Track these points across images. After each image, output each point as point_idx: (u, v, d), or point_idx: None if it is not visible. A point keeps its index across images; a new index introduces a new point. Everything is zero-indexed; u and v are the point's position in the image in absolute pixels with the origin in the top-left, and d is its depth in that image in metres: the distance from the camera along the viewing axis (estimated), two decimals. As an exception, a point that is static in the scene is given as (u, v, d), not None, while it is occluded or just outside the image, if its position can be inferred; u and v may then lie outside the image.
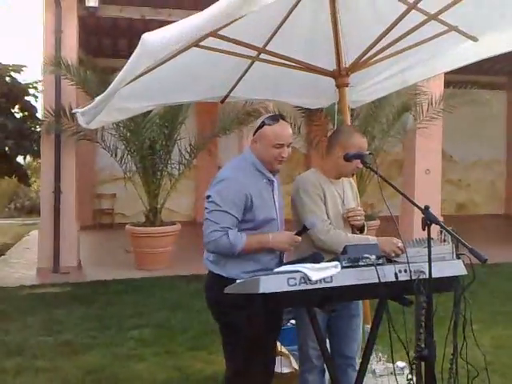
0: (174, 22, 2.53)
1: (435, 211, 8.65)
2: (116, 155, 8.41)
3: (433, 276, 2.27)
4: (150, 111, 7.58)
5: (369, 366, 3.07)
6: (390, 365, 4.03)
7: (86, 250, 8.96)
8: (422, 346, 2.45)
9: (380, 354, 4.00)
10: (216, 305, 2.76)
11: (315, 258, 2.29)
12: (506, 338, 4.84)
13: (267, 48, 3.82)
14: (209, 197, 2.66)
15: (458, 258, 2.64)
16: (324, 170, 2.96)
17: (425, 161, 9.08)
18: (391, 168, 12.42)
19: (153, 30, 2.49)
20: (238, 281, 2.40)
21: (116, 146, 8.37)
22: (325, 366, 2.98)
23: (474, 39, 3.98)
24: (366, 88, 4.55)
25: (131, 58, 2.60)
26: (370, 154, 2.74)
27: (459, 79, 8.54)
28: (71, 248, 8.10)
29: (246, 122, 8.14)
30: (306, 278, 2.17)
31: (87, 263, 8.52)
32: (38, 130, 9.04)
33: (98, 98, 3.62)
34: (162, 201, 8.46)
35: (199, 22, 2.45)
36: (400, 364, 3.96)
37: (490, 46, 4.04)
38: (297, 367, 3.40)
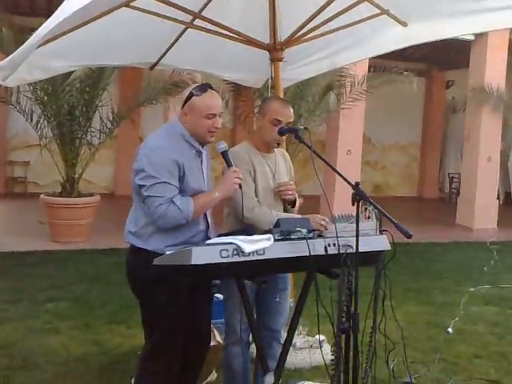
0: None
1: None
2: (31, 120, 7.94)
3: (360, 250, 2.32)
4: (70, 74, 7.23)
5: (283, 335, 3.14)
6: (310, 338, 4.15)
7: (-5, 220, 8.51)
8: (344, 319, 2.52)
9: (301, 328, 4.09)
10: (138, 280, 2.66)
11: (247, 231, 2.27)
12: (417, 314, 5.07)
13: (202, 14, 3.72)
14: (141, 171, 2.52)
15: (381, 233, 2.73)
16: (254, 142, 2.94)
17: (347, 142, 9.31)
18: (315, 147, 12.62)
19: None
20: (167, 253, 2.33)
21: (32, 110, 7.90)
22: (250, 338, 3.02)
23: (404, 24, 4.08)
24: (297, 68, 4.55)
25: (59, 8, 2.43)
26: (304, 128, 2.75)
27: (381, 64, 8.76)
28: (-19, 217, 7.65)
29: (173, 92, 7.92)
30: (238, 250, 2.15)
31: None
32: None
33: (16, 52, 3.38)
34: (80, 171, 8.12)
35: None
36: (320, 337, 4.07)
37: (419, 33, 4.14)
38: (220, 340, 3.40)
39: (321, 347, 3.89)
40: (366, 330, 2.45)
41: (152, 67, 4.40)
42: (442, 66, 14.52)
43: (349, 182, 2.39)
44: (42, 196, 8.04)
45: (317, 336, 4.01)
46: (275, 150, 2.98)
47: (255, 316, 2.86)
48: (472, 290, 5.92)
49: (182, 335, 2.70)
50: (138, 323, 4.43)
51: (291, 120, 2.85)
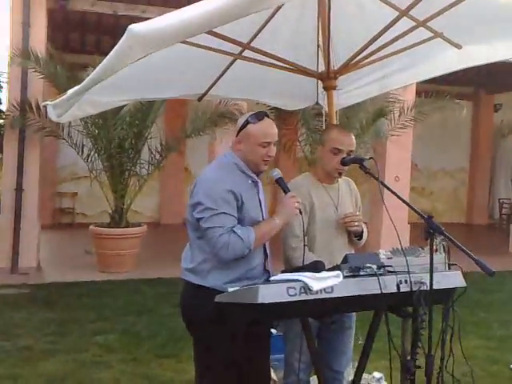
0: (146, 18, 2.34)
1: (404, 219, 8.68)
2: (82, 153, 8.10)
3: (433, 287, 2.18)
4: (120, 108, 7.35)
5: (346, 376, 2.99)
6: (366, 375, 3.97)
7: (45, 251, 8.58)
8: (408, 358, 2.39)
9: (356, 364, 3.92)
10: (194, 317, 2.58)
11: (316, 267, 2.16)
12: (476, 348, 4.81)
13: (252, 45, 3.69)
14: (199, 204, 2.48)
15: (449, 268, 2.59)
16: (316, 173, 2.87)
17: (395, 168, 9.12)
18: (360, 173, 12.47)
19: (123, 25, 2.29)
20: (229, 290, 2.24)
21: (83, 144, 8.07)
22: (310, 379, 2.89)
23: (458, 47, 3.96)
24: (346, 92, 4.47)
25: (114, 50, 2.40)
26: (370, 158, 2.63)
27: (427, 88, 8.60)
28: (31, 248, 7.75)
29: (220, 123, 7.96)
30: (306, 288, 2.04)
31: (47, 264, 8.14)
32: (1, 123, 8.67)
33: (71, 90, 3.41)
34: (129, 201, 8.20)
35: (202, 17, 2.27)
36: (376, 375, 3.90)
37: (472, 56, 4.02)
38: (276, 378, 3.27)
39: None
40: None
41: (200, 98, 4.40)
42: (490, 89, 14.21)
43: (421, 215, 2.28)
44: (91, 227, 8.12)
45: (373, 373, 3.85)
46: (340, 180, 2.90)
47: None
48: (535, 322, 5.60)
49: (236, 373, 2.59)
50: (189, 357, 4.39)
51: (352, 148, 2.78)
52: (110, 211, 8.18)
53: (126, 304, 6.11)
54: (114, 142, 7.84)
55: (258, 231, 2.49)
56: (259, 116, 2.60)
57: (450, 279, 2.37)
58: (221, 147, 8.03)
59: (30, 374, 4.03)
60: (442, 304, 2.34)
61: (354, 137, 2.85)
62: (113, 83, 3.58)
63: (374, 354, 2.49)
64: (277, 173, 2.63)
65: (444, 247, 2.66)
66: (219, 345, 2.52)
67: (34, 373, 4.07)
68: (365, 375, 3.93)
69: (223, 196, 2.46)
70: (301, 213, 2.55)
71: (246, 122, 2.58)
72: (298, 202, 2.54)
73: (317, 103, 4.65)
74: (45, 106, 3.93)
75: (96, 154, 8.03)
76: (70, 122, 7.51)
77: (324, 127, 3.90)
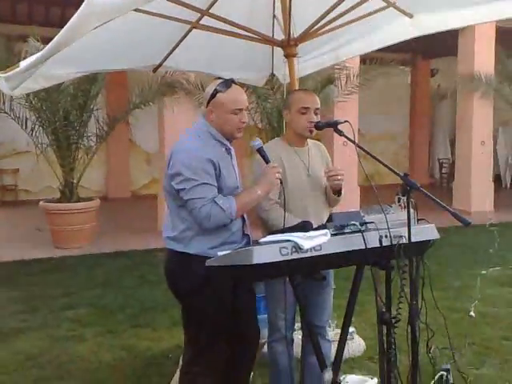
0: None
1: (353, 182, 8.94)
2: (26, 127, 7.84)
3: (412, 240, 2.33)
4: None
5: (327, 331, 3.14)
6: (338, 330, 4.17)
7: (-8, 230, 8.37)
8: (383, 310, 2.54)
9: (330, 321, 4.10)
10: (181, 284, 2.62)
11: (304, 227, 2.26)
12: (436, 299, 5.11)
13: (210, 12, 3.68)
14: (178, 174, 2.48)
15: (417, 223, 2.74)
16: (286, 137, 2.95)
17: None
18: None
19: None
20: (219, 254, 2.31)
21: (26, 118, 7.81)
22: (293, 336, 3.02)
23: (410, 16, 4.08)
24: (304, 61, 4.53)
25: (74, 18, 2.36)
26: (345, 121, 2.72)
27: (369, 56, 8.77)
28: (-22, 227, 7.53)
29: (169, 92, 7.87)
30: (297, 247, 2.13)
31: (-1, 244, 7.94)
32: None
33: (25, 63, 3.31)
34: (79, 175, 8.04)
35: None
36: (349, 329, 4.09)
37: (423, 25, 4.11)
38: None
39: (352, 338, 3.97)
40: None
41: (155, 69, 4.35)
42: (427, 55, 14.64)
43: (397, 173, 2.40)
44: (41, 203, 7.94)
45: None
46: (310, 143, 2.98)
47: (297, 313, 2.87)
48: (484, 272, 5.97)
49: (225, 336, 2.68)
50: (163, 325, 4.50)
51: (318, 106, 2.85)
52: (59, 186, 8.00)
53: (88, 278, 6.09)
54: (59, 115, 7.64)
55: (240, 201, 2.52)
56: (227, 83, 2.60)
57: (426, 232, 2.52)
58: (171, 117, 7.98)
59: (6, 353, 4.01)
60: (419, 255, 2.48)
61: (313, 95, 2.91)
62: (67, 55, 3.49)
63: (342, 311, 2.63)
64: (258, 143, 2.65)
65: (412, 204, 2.82)
66: (208, 309, 2.58)
67: (10, 351, 4.04)
68: (337, 330, 4.15)
69: (203, 166, 2.48)
70: (281, 182, 2.61)
71: (215, 91, 2.58)
72: (278, 172, 2.59)
73: (272, 73, 4.71)
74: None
75: (41, 128, 7.79)
76: (11, 96, 7.25)
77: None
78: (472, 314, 4.67)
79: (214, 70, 4.70)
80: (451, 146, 13.97)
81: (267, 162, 2.64)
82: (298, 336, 3.24)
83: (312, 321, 2.89)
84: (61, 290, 5.62)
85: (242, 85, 6.75)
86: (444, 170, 14.30)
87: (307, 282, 2.74)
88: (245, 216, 2.71)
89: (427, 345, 2.59)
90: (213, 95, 2.59)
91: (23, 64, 3.40)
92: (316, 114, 2.86)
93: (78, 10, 2.29)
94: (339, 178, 2.80)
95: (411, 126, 15.39)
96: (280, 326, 2.86)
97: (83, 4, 2.21)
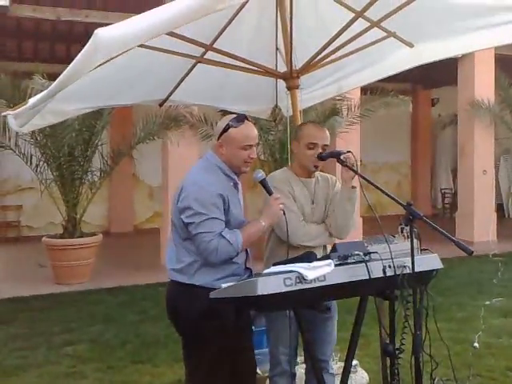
0: (91, 23, 2.37)
1: (356, 212, 8.95)
2: (31, 163, 7.89)
3: (415, 270, 2.31)
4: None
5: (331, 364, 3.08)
6: (341, 363, 4.10)
7: (-6, 266, 8.33)
8: (387, 341, 2.50)
9: (333, 354, 4.04)
10: (184, 315, 2.61)
11: (308, 257, 2.25)
12: (439, 330, 5.05)
13: (214, 46, 3.74)
14: (188, 208, 2.51)
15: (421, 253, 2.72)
16: (293, 169, 2.97)
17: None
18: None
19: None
20: (223, 286, 2.29)
21: (31, 154, 7.87)
22: (296, 370, 2.97)
23: (410, 45, 4.14)
24: (307, 93, 4.58)
25: (81, 55, 2.40)
26: (347, 151, 2.73)
27: (370, 86, 8.88)
28: (-20, 264, 7.50)
29: (173, 126, 7.94)
30: (301, 278, 2.12)
31: (0, 280, 7.89)
32: None
33: (33, 100, 3.36)
34: (82, 211, 8.05)
35: (163, 20, 2.33)
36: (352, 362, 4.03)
37: (423, 54, 4.17)
38: (260, 372, 3.33)
39: (355, 371, 3.89)
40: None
41: (161, 104, 4.41)
42: (426, 85, 14.80)
43: (400, 203, 2.40)
44: (44, 239, 7.92)
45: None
46: (319, 176, 2.98)
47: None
48: (488, 303, 5.92)
49: (226, 368, 2.65)
50: (164, 361, 4.44)
51: (327, 143, 2.85)
52: (62, 222, 8.00)
53: (89, 314, 6.02)
54: (64, 151, 7.67)
55: (245, 234, 2.55)
56: (240, 119, 2.65)
57: (429, 262, 2.51)
58: (175, 151, 8.03)
59: (5, 391, 3.95)
60: (423, 285, 2.46)
61: (327, 131, 2.93)
62: (73, 91, 3.54)
63: (345, 343, 2.59)
64: (261, 175, 2.68)
65: (415, 234, 2.80)
66: (209, 341, 2.56)
67: (9, 389, 3.98)
68: (340, 363, 4.09)
69: (212, 200, 2.51)
70: (284, 214, 2.62)
71: (228, 126, 2.63)
72: (282, 204, 2.61)
73: (276, 105, 4.75)
74: (5, 116, 3.83)
75: (45, 164, 7.84)
76: (16, 132, 7.33)
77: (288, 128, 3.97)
78: (476, 344, 4.59)
79: (219, 103, 4.77)
80: (453, 176, 14.00)
81: (270, 193, 2.67)
82: (301, 370, 3.18)
83: (315, 355, 2.85)
84: (61, 326, 5.56)
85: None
86: (446, 201, 14.28)
87: (311, 315, 2.73)
88: (248, 250, 2.72)
89: (431, 376, 2.53)
90: (225, 129, 2.64)
91: (31, 101, 3.44)
92: (324, 150, 2.85)
93: (85, 47, 2.35)
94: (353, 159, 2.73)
95: (413, 156, 15.45)
96: (281, 360, 2.84)
97: (90, 40, 2.26)
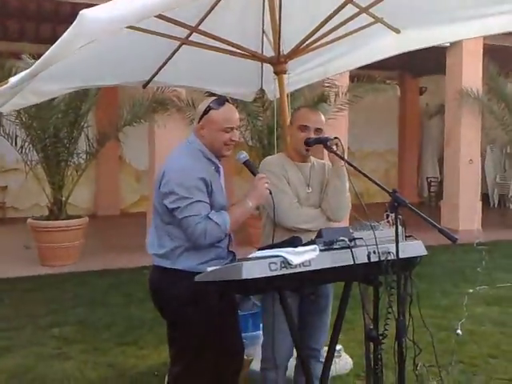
0: (78, 3, 2.33)
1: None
2: (16, 144, 7.81)
3: (400, 256, 2.34)
4: (55, 97, 7.14)
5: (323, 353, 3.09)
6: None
7: (-22, 247, 8.28)
8: (371, 327, 2.53)
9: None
10: (168, 300, 2.62)
11: (293, 242, 2.26)
12: (423, 317, 5.12)
13: (200, 28, 3.71)
14: (172, 193, 2.50)
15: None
16: (288, 152, 2.95)
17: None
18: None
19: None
20: (208, 269, 2.30)
21: (16, 135, 7.79)
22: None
23: (397, 31, 4.14)
24: (291, 77, 4.57)
25: (65, 36, 2.37)
26: (334, 138, 2.74)
27: (359, 73, 8.88)
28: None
29: (160, 109, 7.89)
30: (286, 263, 2.14)
31: (-18, 261, 7.84)
32: None
33: (14, 79, 3.31)
34: (68, 193, 8.00)
35: (154, 2, 2.31)
36: (336, 347, 4.08)
37: (410, 40, 4.18)
38: (245, 356, 3.35)
39: (339, 356, 3.94)
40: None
41: (145, 85, 4.37)
42: (415, 73, 14.81)
43: (385, 190, 2.42)
44: (29, 220, 7.87)
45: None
46: (315, 162, 2.97)
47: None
48: (471, 291, 6.00)
49: (213, 352, 2.68)
50: (149, 343, 4.46)
51: (319, 126, 2.82)
52: (48, 203, 7.95)
53: (75, 296, 6.02)
54: (49, 132, 7.60)
55: (233, 215, 2.56)
56: (220, 101, 2.63)
57: (414, 248, 2.54)
58: (162, 134, 7.99)
59: (-11, 371, 3.95)
60: (407, 272, 2.48)
61: (322, 116, 2.91)
62: (56, 71, 3.49)
63: (330, 329, 2.59)
64: (244, 155, 2.68)
65: (400, 220, 2.83)
66: (194, 325, 2.58)
67: (-6, 369, 3.98)
68: (324, 348, 4.13)
69: (195, 184, 2.50)
70: (271, 193, 2.63)
71: (208, 108, 2.61)
72: (267, 183, 2.61)
73: (261, 89, 4.74)
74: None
75: (30, 145, 7.77)
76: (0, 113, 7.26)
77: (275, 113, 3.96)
78: (459, 331, 4.67)
79: (203, 85, 4.73)
80: (439, 165, 14.08)
81: (254, 173, 2.66)
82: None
83: (308, 343, 2.88)
84: (47, 307, 5.55)
85: (233, 101, 6.81)
86: (432, 189, 14.39)
87: (309, 304, 2.75)
88: (231, 234, 2.72)
89: (414, 362, 2.57)
90: (205, 111, 2.63)
91: (12, 80, 3.40)
92: (317, 134, 2.82)
93: (69, 28, 2.31)
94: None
95: (400, 144, 15.53)
96: (281, 352, 2.74)
97: (74, 22, 2.23)
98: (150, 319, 4.94)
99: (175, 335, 2.70)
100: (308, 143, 2.78)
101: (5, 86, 3.43)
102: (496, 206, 14.16)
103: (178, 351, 2.71)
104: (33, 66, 2.87)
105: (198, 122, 2.66)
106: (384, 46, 4.30)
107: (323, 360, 2.84)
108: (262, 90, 4.77)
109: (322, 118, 2.90)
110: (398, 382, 2.41)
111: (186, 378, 2.64)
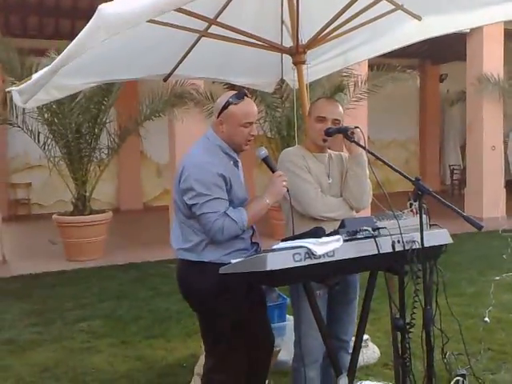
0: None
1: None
2: (38, 141, 7.93)
3: (425, 245, 2.33)
4: (76, 93, 7.21)
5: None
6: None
7: (7, 244, 8.39)
8: (398, 316, 2.52)
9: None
10: (196, 292, 2.64)
11: (317, 233, 2.26)
12: (450, 306, 5.09)
13: (218, 20, 3.71)
14: (190, 190, 2.52)
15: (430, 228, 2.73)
16: (306, 144, 2.94)
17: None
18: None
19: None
20: (232, 261, 2.32)
21: (38, 131, 7.91)
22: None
23: (418, 18, 4.09)
24: (313, 66, 4.54)
25: (84, 31, 2.39)
26: (355, 127, 2.72)
27: (377, 62, 8.80)
28: (-7, 241, 7.59)
29: (179, 103, 7.92)
30: (310, 253, 2.14)
31: (12, 257, 7.98)
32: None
33: (37, 75, 3.37)
34: (91, 188, 8.11)
35: None
36: (363, 337, 4.08)
37: (431, 27, 4.12)
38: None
39: (366, 346, 3.94)
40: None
41: (166, 78, 4.39)
42: (435, 60, 14.63)
43: (409, 178, 2.41)
44: (54, 216, 8.01)
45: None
46: (331, 153, 2.95)
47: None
48: (497, 278, 5.95)
49: (244, 344, 2.70)
50: (177, 336, 4.51)
51: (337, 117, 2.80)
52: (72, 199, 8.07)
53: (101, 290, 6.11)
54: (71, 128, 7.70)
55: (250, 212, 2.56)
56: (239, 96, 2.61)
57: (439, 237, 2.52)
58: (182, 128, 8.01)
59: (21, 365, 4.03)
60: (433, 260, 2.47)
61: (340, 107, 2.89)
62: (79, 66, 3.55)
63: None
64: (264, 152, 2.66)
65: (424, 209, 2.81)
66: (223, 315, 2.61)
67: (25, 363, 4.07)
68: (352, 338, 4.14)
69: (214, 181, 2.51)
70: (288, 190, 2.63)
71: (227, 103, 2.59)
72: (285, 181, 2.61)
73: (281, 79, 4.73)
74: (9, 92, 3.83)
75: (53, 142, 7.88)
76: (23, 109, 7.37)
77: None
78: (486, 319, 4.64)
79: (224, 76, 4.74)
80: (462, 152, 13.91)
81: (273, 170, 2.66)
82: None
83: (338, 334, 2.88)
84: (74, 302, 5.65)
85: (251, 93, 6.78)
86: (455, 177, 14.22)
87: (340, 296, 2.75)
88: (253, 225, 2.73)
89: (442, 351, 2.56)
90: (224, 107, 2.61)
91: (35, 76, 3.45)
92: (335, 125, 2.79)
93: (88, 23, 2.34)
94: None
95: (421, 132, 15.37)
96: (311, 348, 2.68)
97: (93, 17, 2.25)
98: (177, 312, 5.00)
99: (206, 327, 2.72)
100: (328, 133, 2.76)
101: (28, 82, 3.50)
102: (521, 192, 13.94)
103: (211, 344, 2.74)
104: (54, 62, 2.91)
105: (217, 116, 2.65)
106: (405, 33, 4.25)
107: (350, 351, 2.84)
108: (282, 81, 4.76)
109: (340, 109, 2.87)
110: (426, 370, 2.41)
111: (220, 372, 2.66)
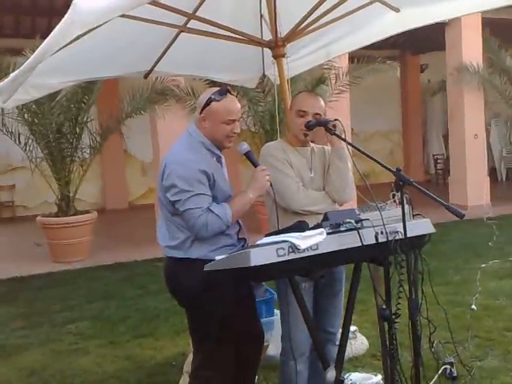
0: None
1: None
2: (19, 142, 7.83)
3: (408, 235, 2.34)
4: (56, 93, 7.14)
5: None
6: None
7: (-9, 247, 8.35)
8: (384, 306, 2.54)
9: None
10: (185, 289, 2.63)
11: (300, 227, 2.26)
12: (436, 294, 5.10)
13: (197, 15, 3.68)
14: (173, 186, 2.51)
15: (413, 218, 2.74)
16: (287, 138, 2.94)
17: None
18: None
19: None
20: (217, 258, 2.32)
21: (19, 132, 7.81)
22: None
23: (397, 10, 4.10)
24: (294, 60, 4.52)
25: (59, 26, 2.35)
26: (335, 119, 2.72)
27: (358, 54, 8.81)
28: (-23, 245, 7.51)
29: (160, 100, 7.87)
30: (293, 248, 2.14)
31: (-3, 260, 7.92)
32: None
33: (14, 73, 3.31)
34: (75, 188, 8.04)
35: None
36: (351, 328, 4.09)
37: (412, 18, 4.15)
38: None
39: (354, 337, 3.96)
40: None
41: (146, 75, 4.36)
42: (415, 51, 14.68)
43: (389, 169, 2.41)
44: (38, 218, 7.94)
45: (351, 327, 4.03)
46: (314, 147, 2.94)
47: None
48: (483, 266, 6.00)
49: (233, 339, 2.70)
50: (165, 334, 4.50)
51: (318, 111, 2.79)
52: (56, 200, 8.00)
53: (89, 291, 6.08)
54: (52, 128, 7.61)
55: (234, 207, 2.55)
56: (222, 92, 2.60)
57: (421, 226, 2.53)
58: (164, 125, 7.96)
59: (9, 369, 4.00)
60: (416, 250, 2.48)
61: (322, 100, 2.88)
62: (57, 64, 3.50)
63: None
64: (245, 147, 2.65)
65: (407, 199, 2.82)
66: (212, 312, 2.60)
67: (13, 367, 4.04)
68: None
69: (197, 177, 2.50)
70: (271, 185, 2.62)
71: (210, 100, 2.58)
72: (268, 175, 2.60)
73: (263, 74, 4.72)
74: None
75: (34, 142, 7.79)
76: (2, 110, 7.28)
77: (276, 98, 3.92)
78: (473, 307, 4.68)
79: (205, 73, 4.71)
80: (445, 142, 14.00)
81: (255, 165, 2.66)
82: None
83: (324, 327, 2.89)
84: (62, 304, 5.61)
85: (233, 87, 6.76)
86: (439, 166, 14.32)
87: (326, 288, 2.76)
88: (240, 220, 2.73)
89: (430, 340, 2.58)
90: (207, 103, 2.60)
91: (12, 75, 3.40)
92: (316, 119, 2.78)
93: (63, 19, 2.31)
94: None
95: (404, 123, 15.44)
96: (298, 341, 2.67)
97: (68, 11, 2.22)
98: (165, 310, 4.98)
99: (194, 324, 2.72)
100: (308, 126, 2.75)
101: (5, 80, 3.44)
102: (504, 179, 14.08)
103: (198, 341, 2.73)
104: (30, 58, 2.84)
105: (200, 112, 2.63)
106: (384, 25, 4.26)
107: (337, 343, 2.85)
108: (264, 76, 4.74)
109: (322, 102, 2.86)
110: (414, 360, 2.43)
111: (208, 368, 2.65)
